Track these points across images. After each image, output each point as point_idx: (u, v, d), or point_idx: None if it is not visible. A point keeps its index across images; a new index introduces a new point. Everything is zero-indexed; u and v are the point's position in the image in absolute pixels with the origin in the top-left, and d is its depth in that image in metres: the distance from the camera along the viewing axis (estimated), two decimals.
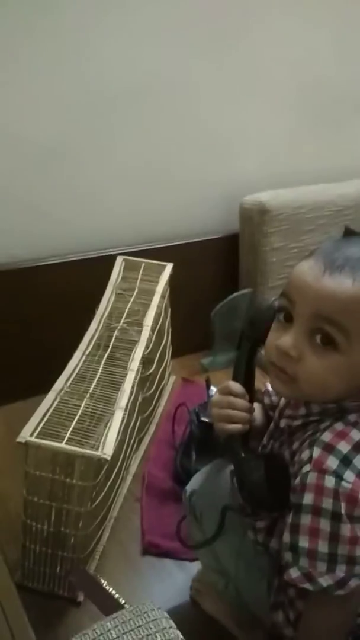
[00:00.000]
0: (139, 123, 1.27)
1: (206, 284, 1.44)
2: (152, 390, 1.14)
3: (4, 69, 1.10)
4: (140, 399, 1.04)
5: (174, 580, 0.92)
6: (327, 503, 0.60)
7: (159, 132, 1.30)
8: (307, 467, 0.61)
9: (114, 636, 0.44)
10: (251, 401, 0.75)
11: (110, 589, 0.68)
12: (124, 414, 0.85)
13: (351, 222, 1.42)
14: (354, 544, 0.60)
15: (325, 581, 0.61)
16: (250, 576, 0.77)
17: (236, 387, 0.74)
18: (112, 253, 1.26)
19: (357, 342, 0.59)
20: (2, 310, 1.21)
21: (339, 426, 0.63)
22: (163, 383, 1.27)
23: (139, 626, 0.45)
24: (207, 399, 1.15)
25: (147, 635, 0.44)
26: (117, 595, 0.67)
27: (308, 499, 0.61)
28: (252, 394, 0.76)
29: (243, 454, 0.71)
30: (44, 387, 0.88)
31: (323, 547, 0.61)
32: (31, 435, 0.77)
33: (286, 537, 0.64)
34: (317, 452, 0.62)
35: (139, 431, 1.12)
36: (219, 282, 1.47)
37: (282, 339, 0.62)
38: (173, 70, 1.26)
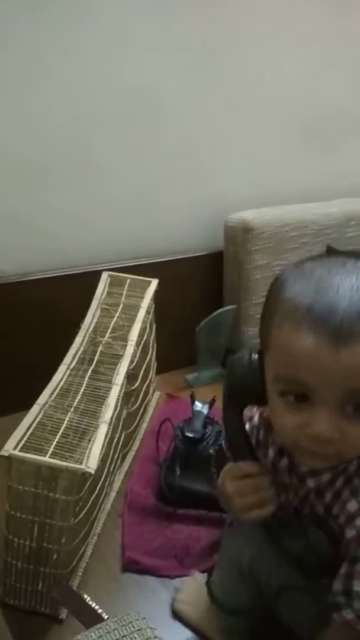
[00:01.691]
0: (125, 141, 1.29)
1: (191, 301, 1.45)
2: (136, 405, 1.14)
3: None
4: (124, 414, 1.04)
5: (157, 596, 0.91)
6: None
7: (145, 150, 1.32)
8: None
9: None
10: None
11: (94, 604, 0.67)
12: (109, 428, 0.85)
13: (333, 241, 1.45)
14: None
15: None
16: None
17: (249, 466, 0.69)
18: (97, 269, 1.27)
19: None
20: None
21: None
22: (147, 398, 1.27)
23: (124, 636, 0.45)
24: (192, 414, 1.15)
25: None
26: (100, 610, 0.66)
27: None
28: (257, 459, 0.71)
29: (289, 532, 0.68)
30: (26, 403, 0.87)
31: None
32: (14, 448, 0.77)
33: (338, 585, 0.64)
34: None
35: (123, 447, 1.12)
36: (203, 298, 1.48)
37: (317, 427, 0.56)
38: (160, 88, 1.29)
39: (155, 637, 0.45)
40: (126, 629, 0.45)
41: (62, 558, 0.83)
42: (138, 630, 0.45)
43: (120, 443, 1.06)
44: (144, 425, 1.27)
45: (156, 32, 1.24)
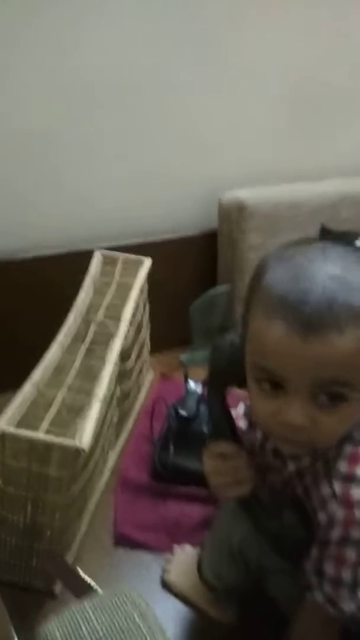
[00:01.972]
0: (121, 118, 1.27)
1: (185, 280, 1.45)
2: (130, 384, 1.14)
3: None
4: (118, 392, 1.04)
5: (150, 572, 0.93)
6: (355, 533, 0.60)
7: (141, 128, 1.30)
8: (333, 505, 0.61)
9: (91, 616, 0.44)
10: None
11: (86, 577, 0.68)
12: (102, 405, 0.85)
13: (328, 221, 1.44)
14: None
15: (348, 607, 0.63)
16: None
17: (229, 447, 0.69)
18: (90, 248, 1.26)
19: None
20: None
21: (348, 449, 0.62)
22: (141, 378, 1.27)
23: (117, 606, 0.45)
24: (185, 393, 1.15)
25: (124, 614, 0.44)
26: (92, 583, 0.67)
27: (337, 533, 0.61)
28: (238, 440, 0.72)
29: (265, 513, 0.68)
30: (19, 383, 0.86)
31: (347, 574, 0.62)
32: (7, 425, 0.77)
33: (310, 565, 0.65)
34: (338, 486, 0.61)
35: (117, 425, 1.12)
36: (197, 278, 1.47)
37: (289, 415, 0.56)
38: (156, 66, 1.26)
39: (147, 606, 0.45)
40: (118, 599, 0.46)
41: (56, 534, 0.84)
42: (130, 600, 0.45)
43: (114, 421, 1.06)
44: (138, 404, 1.27)
45: (154, 11, 1.22)
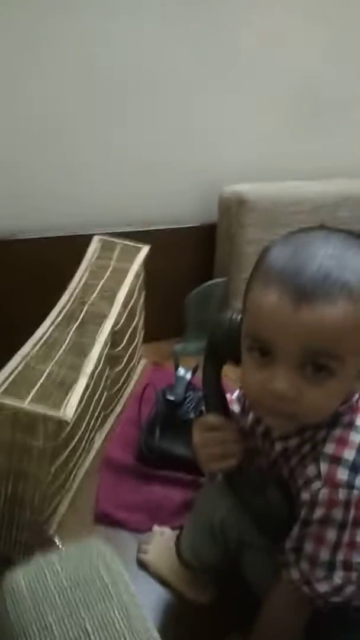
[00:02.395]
0: (125, 108, 1.29)
1: (181, 272, 1.46)
2: (120, 368, 1.15)
3: (18, 43, 1.12)
4: (107, 372, 1.05)
5: (128, 551, 0.93)
6: (337, 514, 0.61)
7: (145, 119, 1.32)
8: (317, 484, 0.61)
9: (57, 566, 0.45)
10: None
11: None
12: (89, 381, 0.86)
13: (328, 220, 1.45)
14: (351, 549, 0.62)
15: (322, 587, 0.63)
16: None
17: (217, 420, 0.71)
18: (89, 233, 1.27)
19: (350, 360, 0.57)
20: None
21: (337, 432, 0.63)
22: (133, 364, 1.28)
23: (82, 557, 0.46)
24: (175, 379, 1.16)
25: (89, 564, 0.45)
26: None
27: (319, 513, 0.62)
28: (229, 415, 0.73)
29: (249, 489, 0.69)
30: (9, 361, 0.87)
31: (325, 554, 0.62)
32: None
33: (290, 544, 0.66)
34: (324, 467, 0.62)
35: (105, 408, 1.13)
36: (194, 270, 1.48)
37: (274, 383, 0.57)
38: (163, 57, 1.28)
39: (113, 559, 0.46)
40: (86, 551, 0.46)
41: (37, 506, 0.85)
42: (97, 553, 0.46)
43: (102, 403, 1.07)
44: (129, 389, 1.28)
45: (163, 10, 1.24)
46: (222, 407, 0.73)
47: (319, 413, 0.61)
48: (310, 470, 0.63)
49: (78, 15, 1.17)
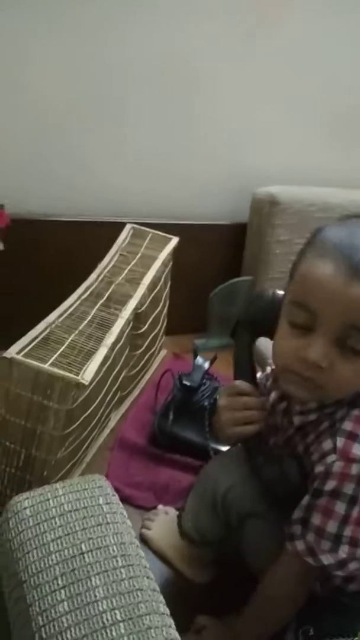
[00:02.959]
0: (160, 105, 1.33)
1: (209, 269, 1.48)
2: (141, 351, 1.18)
3: (43, 36, 1.17)
4: (127, 352, 1.08)
5: (133, 526, 0.95)
6: (349, 488, 0.63)
7: (179, 117, 1.36)
8: (332, 457, 0.64)
9: (60, 493, 0.48)
10: None
11: None
12: (109, 353, 0.89)
13: None
14: (359, 526, 0.63)
15: (326, 559, 0.65)
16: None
17: (245, 385, 0.73)
18: (122, 221, 1.31)
19: None
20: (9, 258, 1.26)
21: (356, 412, 0.65)
22: (153, 350, 1.31)
23: (84, 489, 0.48)
24: (193, 367, 1.18)
25: (91, 495, 0.48)
26: None
27: (331, 485, 0.64)
28: (256, 385, 0.76)
29: (265, 457, 0.72)
30: None
31: (332, 527, 0.64)
32: (17, 353, 0.81)
33: (298, 514, 0.67)
34: (341, 441, 0.64)
35: (123, 389, 1.16)
36: (222, 268, 1.51)
37: (310, 350, 0.60)
38: (213, 63, 1.32)
39: (114, 495, 0.48)
40: (88, 484, 0.49)
41: (48, 468, 0.87)
42: (99, 487, 0.49)
43: (119, 382, 1.10)
44: (147, 376, 1.31)
45: (199, 4, 1.27)
46: (250, 376, 0.75)
47: (345, 389, 0.64)
48: (326, 444, 0.65)
49: (126, 20, 1.22)
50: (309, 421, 0.69)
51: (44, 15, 1.16)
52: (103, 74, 1.25)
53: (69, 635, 0.38)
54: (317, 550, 0.65)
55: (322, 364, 0.60)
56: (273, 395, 0.77)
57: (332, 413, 0.67)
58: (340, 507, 0.63)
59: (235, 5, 1.30)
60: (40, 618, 0.38)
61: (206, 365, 1.18)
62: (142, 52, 1.26)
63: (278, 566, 0.70)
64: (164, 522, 0.94)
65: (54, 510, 0.46)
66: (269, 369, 0.82)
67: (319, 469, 0.65)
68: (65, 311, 0.95)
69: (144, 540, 0.92)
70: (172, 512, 0.97)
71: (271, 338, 0.71)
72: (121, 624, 0.38)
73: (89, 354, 0.87)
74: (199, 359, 1.19)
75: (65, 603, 0.39)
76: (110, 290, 1.05)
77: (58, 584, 0.40)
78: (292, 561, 0.68)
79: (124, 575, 0.41)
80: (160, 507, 0.98)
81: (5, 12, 1.12)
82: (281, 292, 0.70)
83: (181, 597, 0.86)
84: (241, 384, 0.73)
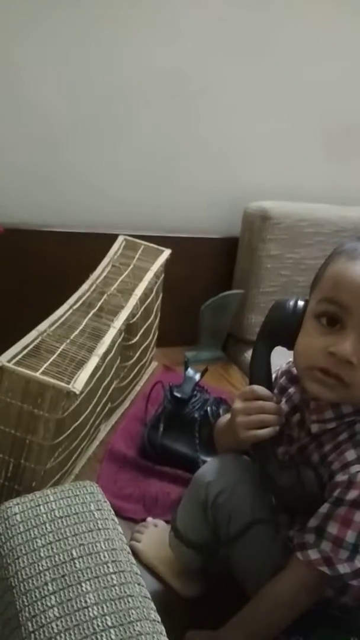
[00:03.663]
0: (155, 119, 1.34)
1: (200, 282, 1.49)
2: (131, 362, 1.17)
3: (39, 45, 1.18)
4: (117, 363, 1.07)
5: None
6: None
7: (178, 132, 1.38)
8: (357, 467, 0.65)
9: (51, 499, 0.47)
10: None
11: None
12: (100, 362, 0.88)
13: None
14: None
15: (343, 568, 0.65)
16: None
17: (262, 390, 0.74)
18: (114, 233, 1.31)
19: None
20: (2, 267, 1.26)
21: None
22: (144, 362, 1.30)
23: (76, 495, 0.48)
24: (184, 379, 1.18)
25: (82, 502, 0.47)
26: None
27: (353, 494, 0.64)
28: (272, 390, 0.76)
29: (278, 463, 0.72)
30: None
31: (351, 537, 0.64)
32: (8, 362, 0.81)
33: (313, 523, 0.67)
34: None
35: (113, 400, 1.15)
36: (213, 281, 1.51)
37: (341, 346, 0.62)
38: (195, 72, 1.34)
39: (105, 501, 0.48)
40: (80, 491, 0.49)
41: (38, 479, 0.87)
42: (91, 493, 0.48)
43: (110, 393, 1.09)
44: (137, 388, 1.31)
45: (200, 19, 1.30)
46: (267, 382, 0.75)
47: None
48: (350, 454, 0.66)
49: (118, 25, 1.23)
50: (327, 429, 0.70)
51: (43, 27, 1.17)
52: (101, 88, 1.27)
53: None
54: (334, 559, 0.65)
55: (352, 360, 0.62)
56: (286, 407, 0.78)
57: (351, 423, 0.68)
58: (359, 517, 0.64)
59: (232, 21, 1.32)
60: (30, 624, 0.38)
61: (197, 377, 1.17)
62: (140, 65, 1.28)
63: (286, 575, 0.70)
64: (153, 534, 0.93)
65: (44, 516, 0.46)
66: (283, 364, 0.82)
67: (341, 478, 0.66)
68: (56, 320, 0.95)
69: (133, 553, 0.91)
70: (162, 524, 0.96)
71: (289, 347, 0.72)
72: (112, 630, 0.38)
73: (80, 364, 0.86)
74: (190, 371, 1.19)
75: (56, 609, 0.39)
76: (102, 301, 1.05)
77: (48, 590, 0.40)
78: (301, 570, 0.68)
79: (115, 582, 0.41)
80: (149, 519, 0.98)
81: (4, 22, 1.14)
82: (302, 302, 0.72)
83: (170, 611, 0.85)
84: (258, 388, 0.74)
